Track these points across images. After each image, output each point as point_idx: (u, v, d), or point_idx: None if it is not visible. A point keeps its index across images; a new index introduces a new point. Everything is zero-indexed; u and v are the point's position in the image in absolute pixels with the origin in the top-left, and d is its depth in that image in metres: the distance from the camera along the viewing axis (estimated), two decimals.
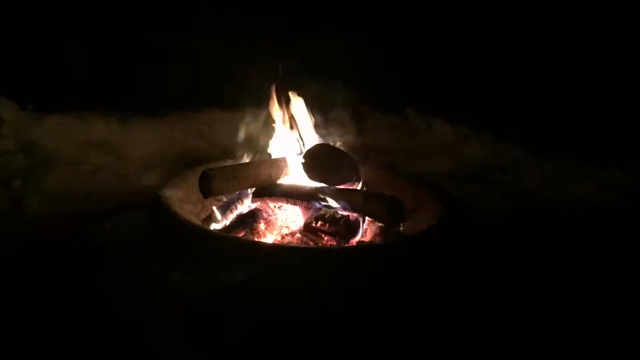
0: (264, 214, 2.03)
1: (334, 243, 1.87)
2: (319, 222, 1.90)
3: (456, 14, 4.13)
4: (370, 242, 1.93)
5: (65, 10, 3.92)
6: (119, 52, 3.91)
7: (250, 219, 1.96)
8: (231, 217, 2.02)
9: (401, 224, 1.94)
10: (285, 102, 2.25)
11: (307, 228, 1.93)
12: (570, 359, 1.51)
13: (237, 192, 2.13)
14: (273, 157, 2.27)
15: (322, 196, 2.00)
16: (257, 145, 2.31)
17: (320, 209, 1.98)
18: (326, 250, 1.82)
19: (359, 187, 2.17)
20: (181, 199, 2.01)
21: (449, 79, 3.97)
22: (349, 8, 4.22)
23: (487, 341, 1.54)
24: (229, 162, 2.22)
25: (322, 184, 2.07)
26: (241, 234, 1.90)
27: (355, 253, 1.81)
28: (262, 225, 1.98)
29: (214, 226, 1.95)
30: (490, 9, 4.06)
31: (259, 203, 2.08)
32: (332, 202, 1.99)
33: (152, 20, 4.05)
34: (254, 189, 2.11)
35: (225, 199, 2.13)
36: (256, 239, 1.90)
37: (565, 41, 3.87)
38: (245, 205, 2.11)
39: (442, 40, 4.07)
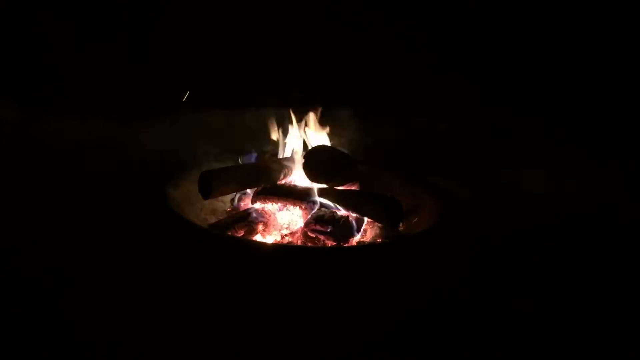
0: (264, 215, 2.03)
1: (334, 243, 1.87)
2: (319, 223, 1.90)
3: (456, 14, 4.13)
4: (370, 242, 1.93)
5: (65, 9, 3.92)
6: (119, 52, 3.91)
7: (250, 220, 1.96)
8: (231, 217, 2.02)
9: (401, 224, 1.95)
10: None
11: (307, 228, 1.94)
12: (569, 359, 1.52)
13: (237, 193, 2.13)
14: (274, 157, 2.28)
15: (322, 196, 2.00)
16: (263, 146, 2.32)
17: (320, 210, 1.98)
18: (326, 250, 1.82)
19: (358, 188, 2.17)
20: (181, 199, 2.02)
21: (449, 78, 3.97)
22: (347, 7, 4.22)
23: (487, 341, 1.54)
24: (229, 163, 2.23)
25: (322, 185, 2.08)
26: (241, 235, 1.91)
27: (355, 253, 1.81)
28: (262, 226, 1.98)
29: (213, 227, 1.95)
30: (491, 8, 4.06)
31: (259, 203, 2.09)
32: (331, 203, 2.00)
33: (152, 20, 4.05)
34: (254, 189, 2.11)
35: (225, 200, 2.13)
36: (256, 239, 1.91)
37: (564, 39, 3.87)
38: (246, 206, 2.12)
39: (442, 39, 4.06)
